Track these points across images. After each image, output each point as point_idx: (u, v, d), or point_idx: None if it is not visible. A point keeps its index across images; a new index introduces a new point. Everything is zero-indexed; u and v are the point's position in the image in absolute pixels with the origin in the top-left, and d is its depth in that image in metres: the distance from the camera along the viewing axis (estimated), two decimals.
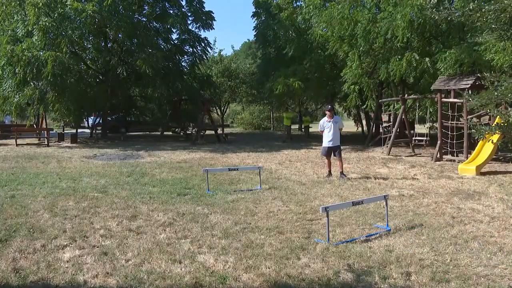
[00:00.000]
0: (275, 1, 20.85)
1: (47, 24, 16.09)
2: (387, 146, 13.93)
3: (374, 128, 18.48)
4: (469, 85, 11.18)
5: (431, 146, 14.30)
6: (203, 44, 22.30)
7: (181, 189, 7.41)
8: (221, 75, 29.81)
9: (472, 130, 7.39)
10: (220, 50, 49.55)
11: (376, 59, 14.62)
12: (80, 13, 16.14)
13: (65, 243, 4.40)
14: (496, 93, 6.04)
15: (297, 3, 20.08)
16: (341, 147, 9.01)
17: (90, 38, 19.75)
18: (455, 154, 11.86)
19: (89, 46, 20.35)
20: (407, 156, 13.31)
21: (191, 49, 22.36)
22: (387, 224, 5.03)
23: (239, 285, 3.42)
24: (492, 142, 9.74)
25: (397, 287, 3.40)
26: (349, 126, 29.17)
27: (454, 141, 11.70)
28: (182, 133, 23.53)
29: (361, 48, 14.09)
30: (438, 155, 11.82)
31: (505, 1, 5.44)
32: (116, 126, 23.48)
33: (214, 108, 31.12)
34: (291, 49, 18.69)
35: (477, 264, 3.87)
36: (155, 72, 18.32)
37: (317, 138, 20.78)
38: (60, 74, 16.35)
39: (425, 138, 13.63)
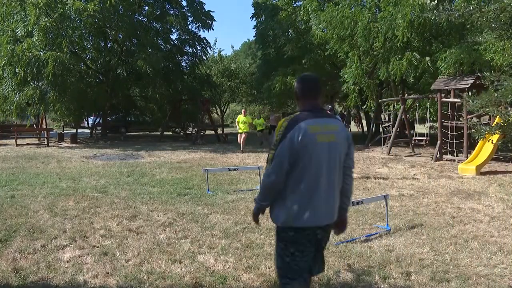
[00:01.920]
0: (274, 1, 20.85)
1: (48, 24, 16.10)
2: (387, 146, 13.94)
3: (374, 128, 18.49)
4: (469, 84, 11.18)
5: (431, 146, 14.30)
6: (203, 44, 22.32)
7: (181, 189, 7.41)
8: (221, 75, 29.80)
9: (472, 130, 7.40)
10: (220, 50, 49.55)
11: (376, 59, 14.64)
12: (81, 13, 16.15)
13: (65, 243, 4.40)
14: (496, 94, 6.04)
15: (296, 3, 20.08)
16: None
17: (90, 38, 19.78)
18: (455, 154, 11.86)
19: (89, 46, 20.36)
20: (407, 156, 13.32)
21: (191, 49, 22.38)
22: (387, 224, 5.03)
23: (239, 285, 3.42)
24: (492, 142, 9.75)
25: (397, 287, 3.40)
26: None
27: (454, 141, 11.70)
28: (182, 133, 23.53)
29: (361, 48, 14.10)
30: (438, 155, 11.82)
31: (505, 1, 5.44)
32: (115, 126, 23.48)
33: (214, 108, 31.12)
34: (290, 49, 18.69)
35: (477, 264, 3.87)
36: (155, 72, 18.32)
37: None
38: (60, 74, 16.38)
39: (425, 138, 13.64)
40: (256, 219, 2.55)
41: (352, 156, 2.57)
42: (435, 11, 6.11)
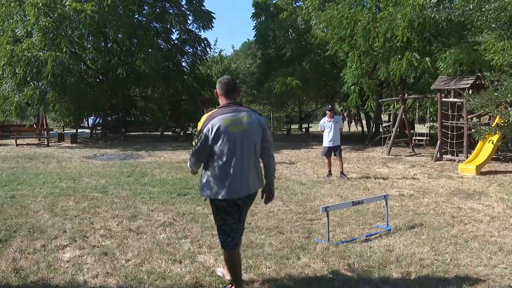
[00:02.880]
0: (274, 1, 20.85)
1: (47, 24, 16.10)
2: (387, 146, 13.93)
3: (374, 128, 18.49)
4: (469, 84, 11.18)
5: (431, 146, 14.30)
6: (203, 44, 22.30)
7: (181, 189, 7.41)
8: (221, 75, 29.76)
9: (472, 131, 7.40)
10: (221, 50, 49.58)
11: (376, 59, 14.63)
12: (79, 13, 16.14)
13: (65, 243, 4.40)
14: (496, 93, 6.03)
15: (297, 4, 20.07)
16: (341, 147, 9.01)
17: (90, 38, 19.78)
18: (455, 154, 11.86)
19: (89, 46, 20.36)
20: (407, 155, 13.31)
21: (191, 49, 22.36)
22: (387, 224, 5.03)
23: None
24: (492, 142, 9.75)
25: (397, 287, 3.40)
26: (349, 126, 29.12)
27: (454, 141, 11.70)
28: (182, 133, 23.52)
29: (361, 48, 14.09)
30: (438, 155, 11.81)
31: (505, 0, 5.42)
32: (115, 126, 23.46)
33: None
34: (290, 49, 18.69)
35: (477, 263, 3.87)
36: (155, 72, 18.31)
37: None
38: (60, 74, 16.39)
39: (425, 138, 13.63)
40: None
41: (269, 139, 3.16)
42: (434, 9, 6.09)
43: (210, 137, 2.95)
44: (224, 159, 2.97)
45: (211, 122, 2.97)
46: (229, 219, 3.07)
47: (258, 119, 3.10)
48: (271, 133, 3.24)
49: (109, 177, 8.82)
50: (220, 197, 2.99)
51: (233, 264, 3.15)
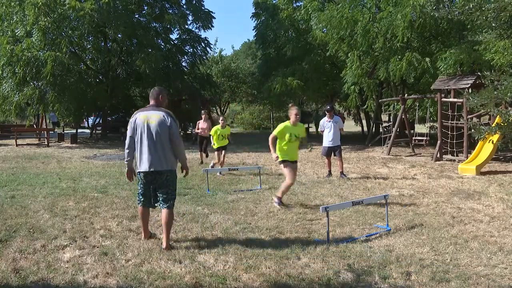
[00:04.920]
0: (274, 1, 20.85)
1: (47, 24, 16.10)
2: (387, 146, 13.93)
3: (374, 128, 18.49)
4: (469, 84, 11.18)
5: (431, 146, 14.29)
6: (203, 44, 22.31)
7: (181, 189, 7.39)
8: (221, 75, 29.79)
9: (472, 130, 7.40)
10: (221, 50, 49.56)
11: (376, 59, 14.63)
12: (78, 12, 16.12)
13: (65, 243, 4.40)
14: (496, 92, 6.04)
15: (297, 4, 20.08)
16: (341, 147, 9.01)
17: (90, 38, 19.78)
18: (455, 154, 11.85)
19: (89, 46, 20.36)
20: (407, 156, 13.31)
21: (191, 49, 22.36)
22: (387, 224, 5.03)
23: (239, 285, 3.42)
24: (492, 142, 9.75)
25: (397, 287, 3.40)
26: (348, 126, 29.12)
27: (454, 141, 11.70)
28: (182, 133, 23.54)
29: (361, 48, 14.09)
30: (438, 155, 11.81)
31: (505, 0, 5.43)
32: (115, 126, 23.45)
33: (214, 108, 31.09)
34: (290, 49, 18.69)
35: (477, 263, 3.87)
36: (155, 72, 18.30)
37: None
38: (60, 74, 16.40)
39: (425, 138, 13.63)
40: (129, 176, 4.47)
41: (173, 132, 4.26)
42: (434, 8, 6.11)
43: (133, 126, 4.29)
44: (140, 143, 4.25)
45: (134, 116, 4.34)
46: (143, 186, 4.33)
47: (167, 118, 4.26)
48: (177, 130, 4.34)
49: (109, 177, 8.82)
50: (138, 170, 4.30)
51: (143, 218, 4.49)
